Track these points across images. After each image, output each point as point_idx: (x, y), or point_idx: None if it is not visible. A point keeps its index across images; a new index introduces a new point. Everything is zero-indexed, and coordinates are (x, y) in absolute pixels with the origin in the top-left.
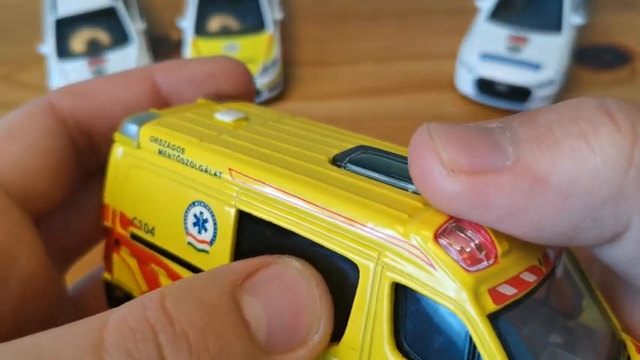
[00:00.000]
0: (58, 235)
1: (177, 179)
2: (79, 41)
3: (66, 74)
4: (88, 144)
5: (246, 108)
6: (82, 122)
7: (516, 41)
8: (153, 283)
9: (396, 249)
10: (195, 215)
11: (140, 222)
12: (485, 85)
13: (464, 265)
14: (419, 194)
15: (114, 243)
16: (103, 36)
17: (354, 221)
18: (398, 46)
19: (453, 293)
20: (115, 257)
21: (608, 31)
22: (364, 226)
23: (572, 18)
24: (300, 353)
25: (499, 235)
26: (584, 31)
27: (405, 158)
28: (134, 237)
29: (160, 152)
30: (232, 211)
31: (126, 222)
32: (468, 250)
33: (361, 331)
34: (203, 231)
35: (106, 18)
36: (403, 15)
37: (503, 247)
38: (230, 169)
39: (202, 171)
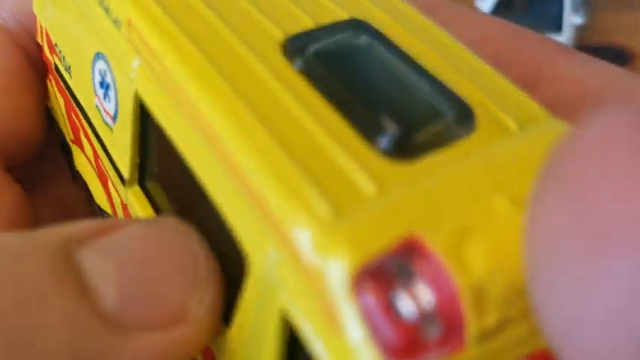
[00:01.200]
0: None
1: (90, 13)
2: None
3: None
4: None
5: None
6: (31, 27)
7: None
8: (77, 136)
9: (296, 263)
10: (100, 73)
11: (60, 53)
12: None
13: (385, 352)
14: (389, 156)
15: (45, 67)
16: None
17: (256, 190)
18: None
19: None
20: (49, 84)
21: (608, 31)
22: (268, 205)
23: (572, 18)
24: (175, 333)
25: (484, 294)
26: (584, 31)
27: (417, 66)
28: (57, 70)
29: None
30: (132, 91)
31: (51, 46)
32: (405, 317)
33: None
34: (107, 100)
35: None
36: None
37: (482, 322)
38: (129, 22)
39: (105, 12)
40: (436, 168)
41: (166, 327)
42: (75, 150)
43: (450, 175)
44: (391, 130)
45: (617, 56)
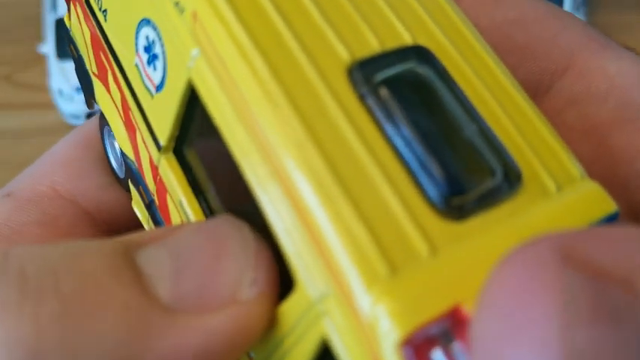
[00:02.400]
0: None
1: None
2: None
3: (66, 74)
4: None
5: None
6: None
7: None
8: (103, 74)
9: (348, 306)
10: (147, 39)
11: None
12: None
13: None
14: (441, 213)
15: None
16: None
17: (313, 225)
18: None
19: None
20: (72, 8)
21: (608, 31)
22: (325, 243)
23: None
24: (227, 314)
25: None
26: None
27: (474, 114)
28: (88, 4)
29: None
30: (185, 76)
31: None
32: None
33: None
34: (152, 67)
35: None
36: None
37: None
38: (195, 13)
39: None
40: (482, 229)
41: (218, 309)
42: (97, 84)
43: (493, 239)
44: (446, 189)
45: None
